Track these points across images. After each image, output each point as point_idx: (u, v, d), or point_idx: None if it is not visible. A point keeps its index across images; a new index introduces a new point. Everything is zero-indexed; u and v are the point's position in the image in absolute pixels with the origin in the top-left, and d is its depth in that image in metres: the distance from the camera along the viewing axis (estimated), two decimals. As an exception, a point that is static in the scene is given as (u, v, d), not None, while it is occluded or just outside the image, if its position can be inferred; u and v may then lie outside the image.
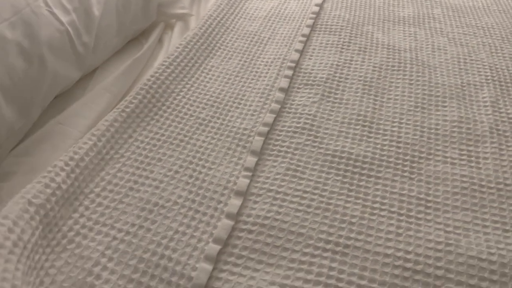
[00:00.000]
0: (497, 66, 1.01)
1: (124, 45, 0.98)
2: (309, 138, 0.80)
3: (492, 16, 1.21)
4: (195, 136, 0.79)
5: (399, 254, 0.61)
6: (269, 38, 1.08)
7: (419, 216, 0.67)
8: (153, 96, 0.84)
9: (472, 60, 1.03)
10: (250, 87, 0.92)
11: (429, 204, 0.69)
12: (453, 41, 1.10)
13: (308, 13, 1.17)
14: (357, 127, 0.83)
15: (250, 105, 0.87)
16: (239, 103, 0.88)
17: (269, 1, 1.24)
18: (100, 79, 0.87)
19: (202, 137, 0.79)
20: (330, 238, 0.63)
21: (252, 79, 0.94)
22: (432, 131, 0.83)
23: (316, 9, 1.18)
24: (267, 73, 0.96)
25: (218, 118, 0.84)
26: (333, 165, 0.75)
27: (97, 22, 0.83)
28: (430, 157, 0.78)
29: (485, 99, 0.91)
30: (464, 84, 0.95)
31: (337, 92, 0.92)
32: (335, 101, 0.89)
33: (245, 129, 0.82)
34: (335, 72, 0.97)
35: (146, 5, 0.99)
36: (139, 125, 0.79)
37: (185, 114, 0.84)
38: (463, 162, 0.77)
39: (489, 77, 0.97)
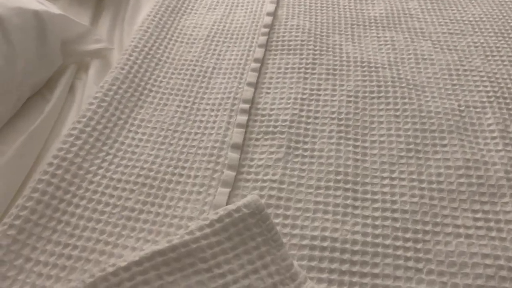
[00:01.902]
0: (496, 76, 0.82)
1: (21, 108, 0.73)
2: (276, 220, 0.60)
3: (479, 5, 1.01)
4: (121, 240, 0.58)
5: None
6: (214, 68, 0.85)
7: (439, 337, 0.49)
8: (57, 188, 0.61)
9: (465, 70, 0.84)
10: (193, 146, 0.70)
11: (448, 313, 0.51)
12: (439, 45, 0.90)
13: (260, 26, 0.94)
14: (338, 193, 0.63)
15: (196, 177, 0.66)
16: (180, 175, 0.66)
17: (210, 12, 1.00)
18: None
19: (131, 240, 0.58)
20: None
21: (196, 133, 0.72)
22: (434, 186, 0.64)
23: (269, 20, 0.95)
24: (214, 122, 0.74)
25: (152, 205, 0.62)
26: (313, 263, 0.55)
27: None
28: (438, 229, 0.59)
29: (491, 128, 0.72)
30: (462, 108, 0.76)
31: (306, 140, 0.71)
32: (305, 154, 0.69)
33: (189, 218, 0.60)
34: (301, 111, 0.76)
35: (43, 50, 0.74)
36: (40, 237, 0.57)
37: (106, 205, 0.61)
38: (481, 233, 0.58)
39: (490, 93, 0.78)
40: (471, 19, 0.97)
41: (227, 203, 0.62)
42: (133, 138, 0.71)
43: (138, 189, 0.64)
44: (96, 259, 0.55)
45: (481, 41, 0.90)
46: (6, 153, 0.65)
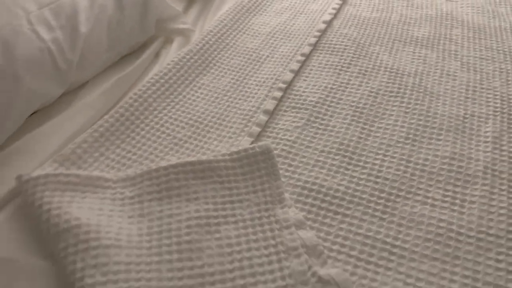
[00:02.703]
0: (510, 97, 0.92)
1: (119, 60, 0.99)
2: (282, 166, 0.77)
3: (518, 39, 1.10)
4: (167, 156, 0.79)
5: (346, 304, 0.57)
6: (267, 56, 1.05)
7: (380, 263, 0.62)
8: (132, 114, 0.84)
9: (483, 88, 0.94)
10: (235, 107, 0.90)
11: (394, 250, 0.64)
12: (466, 66, 1.01)
13: (314, 30, 1.13)
14: (337, 157, 0.79)
15: (231, 127, 0.85)
16: (220, 124, 0.86)
17: (277, 16, 1.21)
18: (87, 95, 0.89)
19: (174, 158, 0.79)
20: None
21: (240, 99, 0.92)
22: (418, 167, 0.77)
23: (323, 26, 1.14)
24: (256, 93, 0.93)
25: (195, 139, 0.83)
26: (300, 198, 0.71)
27: (83, 39, 0.84)
28: (409, 196, 0.72)
29: (487, 134, 0.83)
30: (467, 116, 0.87)
31: (324, 117, 0.87)
32: (320, 127, 0.85)
33: (219, 152, 0.80)
34: (327, 96, 0.92)
35: (143, 20, 1.00)
36: (113, 142, 0.80)
37: (162, 133, 0.83)
38: (445, 205, 0.70)
39: (498, 109, 0.89)
40: (506, 49, 1.06)
41: (249, 148, 0.80)
42: (193, 95, 0.93)
43: (187, 128, 0.85)
44: (146, 164, 0.77)
45: (508, 68, 1.00)
46: (103, 86, 0.91)
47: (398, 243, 0.65)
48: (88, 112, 0.84)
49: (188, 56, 0.99)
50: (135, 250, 0.60)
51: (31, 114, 0.81)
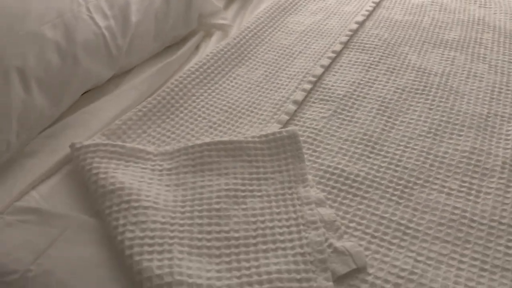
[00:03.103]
0: (536, 99, 0.94)
1: (162, 50, 1.07)
2: (307, 151, 0.82)
3: (550, 46, 1.11)
4: (202, 137, 0.86)
5: (359, 275, 0.62)
6: (299, 52, 1.11)
7: (393, 241, 0.67)
8: (172, 98, 0.92)
9: (508, 90, 0.97)
10: (267, 97, 0.97)
11: (408, 231, 0.68)
12: (494, 69, 1.04)
13: (346, 30, 1.18)
14: (360, 146, 0.84)
15: (261, 114, 0.92)
16: (252, 112, 0.93)
17: (312, 16, 1.27)
18: (133, 79, 0.97)
19: (208, 139, 0.86)
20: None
21: (271, 90, 0.99)
22: (438, 159, 0.81)
23: (355, 26, 1.19)
24: (287, 85, 1.00)
25: (228, 123, 0.89)
26: (322, 180, 0.77)
27: (133, 28, 0.93)
28: (427, 184, 0.76)
29: (508, 132, 0.86)
30: (490, 115, 0.90)
31: (351, 110, 0.92)
32: (346, 118, 0.90)
33: (249, 135, 0.86)
34: (354, 90, 0.97)
35: (186, 14, 1.08)
36: (154, 122, 0.88)
37: (199, 116, 0.91)
38: (460, 194, 0.74)
39: (522, 110, 0.91)
40: (536, 55, 1.08)
41: (277, 134, 0.87)
42: (228, 84, 1.00)
43: (221, 113, 0.92)
44: (183, 142, 0.84)
45: (537, 72, 1.02)
46: (147, 72, 0.99)
47: (412, 225, 0.69)
48: (134, 94, 0.93)
49: (225, 49, 1.07)
50: (170, 213, 0.68)
51: (84, 93, 0.90)
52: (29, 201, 0.71)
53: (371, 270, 0.62)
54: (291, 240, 0.65)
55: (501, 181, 0.76)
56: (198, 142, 0.80)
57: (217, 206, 0.69)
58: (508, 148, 0.82)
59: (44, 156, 0.77)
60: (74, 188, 0.74)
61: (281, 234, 0.66)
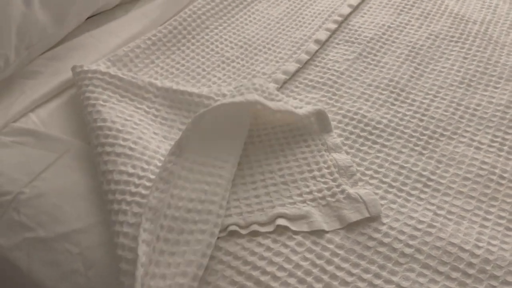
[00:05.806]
0: None
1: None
2: (326, 94, 0.76)
3: None
4: (213, 72, 0.80)
5: (372, 223, 0.57)
6: (326, -10, 1.02)
7: (413, 192, 0.61)
8: (184, 28, 0.85)
9: (555, 43, 0.87)
10: (287, 35, 0.89)
11: (429, 183, 0.63)
12: (541, 21, 0.93)
13: (378, -31, 1.07)
14: (384, 92, 0.77)
15: (279, 52, 0.85)
16: (269, 49, 0.85)
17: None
18: (144, 5, 0.91)
19: (219, 74, 0.80)
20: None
21: (292, 27, 0.91)
22: (469, 111, 0.74)
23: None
24: (309, 24, 0.92)
25: (242, 60, 0.83)
26: (340, 125, 0.71)
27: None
28: (454, 137, 0.69)
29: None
30: (532, 66, 0.82)
31: (377, 54, 0.85)
32: (371, 62, 0.83)
33: (264, 73, 0.80)
34: (383, 34, 0.89)
35: None
36: (164, 52, 0.82)
37: (212, 50, 0.84)
38: (491, 149, 0.67)
39: None
40: None
41: (293, 74, 0.79)
42: (246, 18, 0.92)
43: (236, 48, 0.85)
44: (193, 76, 0.78)
45: None
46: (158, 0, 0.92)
47: (434, 177, 0.63)
48: (144, 21, 0.86)
49: (244, -18, 0.98)
50: (144, 164, 0.60)
51: (92, 17, 0.84)
52: (27, 123, 0.67)
53: (385, 220, 0.57)
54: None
55: (538, 138, 0.69)
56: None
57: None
58: (549, 104, 0.74)
59: (45, 78, 0.73)
60: (75, 113, 0.69)
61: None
